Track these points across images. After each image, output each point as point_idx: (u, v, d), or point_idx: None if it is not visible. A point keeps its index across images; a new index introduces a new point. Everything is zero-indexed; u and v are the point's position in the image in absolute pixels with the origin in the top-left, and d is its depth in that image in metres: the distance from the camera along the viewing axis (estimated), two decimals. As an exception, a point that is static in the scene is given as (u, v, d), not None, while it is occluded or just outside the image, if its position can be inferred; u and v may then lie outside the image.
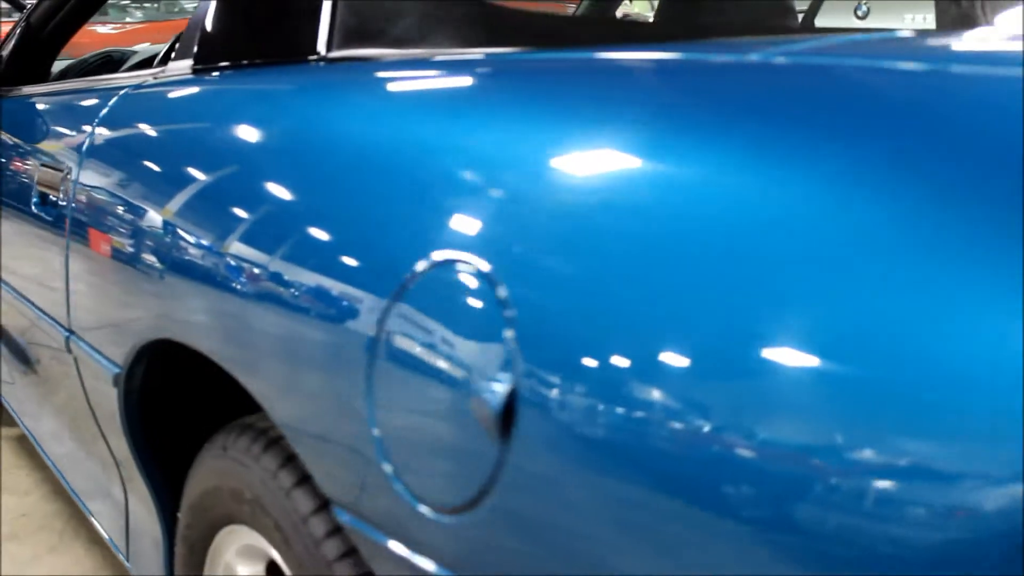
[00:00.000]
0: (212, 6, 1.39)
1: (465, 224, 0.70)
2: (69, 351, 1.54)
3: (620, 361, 0.55)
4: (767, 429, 0.48)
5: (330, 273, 0.82)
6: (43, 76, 2.42)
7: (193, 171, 1.13)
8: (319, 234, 0.86)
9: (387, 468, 0.75)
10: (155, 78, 1.46)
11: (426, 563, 0.73)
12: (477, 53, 1.06)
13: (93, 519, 1.71)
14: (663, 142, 0.63)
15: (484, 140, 0.76)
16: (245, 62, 1.29)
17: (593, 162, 0.65)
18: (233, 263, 0.97)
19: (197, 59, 1.37)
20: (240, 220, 0.99)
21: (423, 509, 0.71)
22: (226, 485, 1.11)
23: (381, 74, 1.03)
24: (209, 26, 1.38)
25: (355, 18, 1.14)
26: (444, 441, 0.68)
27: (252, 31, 1.33)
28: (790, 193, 0.54)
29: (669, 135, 0.63)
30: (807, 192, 0.53)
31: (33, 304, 1.74)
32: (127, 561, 1.57)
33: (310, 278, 0.85)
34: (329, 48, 1.13)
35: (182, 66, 1.40)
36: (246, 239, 0.96)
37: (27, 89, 2.15)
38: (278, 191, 0.95)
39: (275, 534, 1.00)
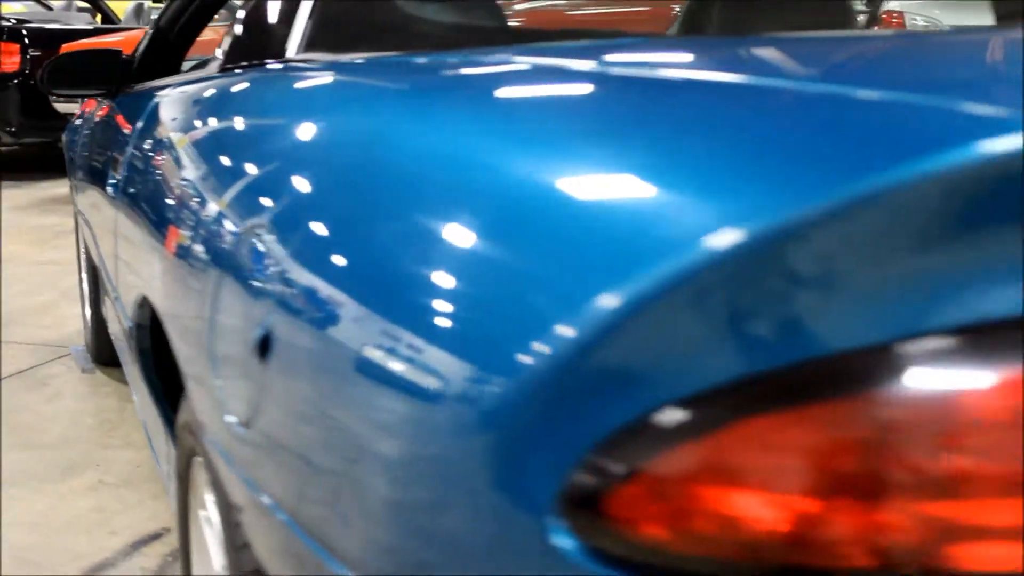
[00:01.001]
0: (238, 20, 1.70)
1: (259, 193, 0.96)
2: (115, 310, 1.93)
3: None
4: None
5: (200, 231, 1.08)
6: (174, 72, 2.62)
7: (177, 156, 1.38)
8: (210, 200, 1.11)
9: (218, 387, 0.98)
10: (193, 77, 1.77)
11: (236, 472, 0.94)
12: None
13: (158, 464, 1.85)
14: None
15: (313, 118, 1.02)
16: (244, 63, 1.57)
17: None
18: (164, 231, 1.24)
19: (226, 60, 1.66)
20: (172, 195, 1.25)
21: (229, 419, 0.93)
22: (186, 419, 1.27)
23: (294, 73, 1.31)
24: (234, 35, 1.68)
25: (314, 30, 1.42)
26: (237, 368, 0.90)
27: (255, 38, 1.60)
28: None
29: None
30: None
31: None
32: None
33: (200, 240, 1.07)
34: (296, 52, 1.41)
35: (214, 67, 1.71)
36: (173, 213, 1.22)
37: (149, 84, 2.36)
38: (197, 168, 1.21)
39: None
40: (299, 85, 1.21)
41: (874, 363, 0.48)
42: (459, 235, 0.65)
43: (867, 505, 0.48)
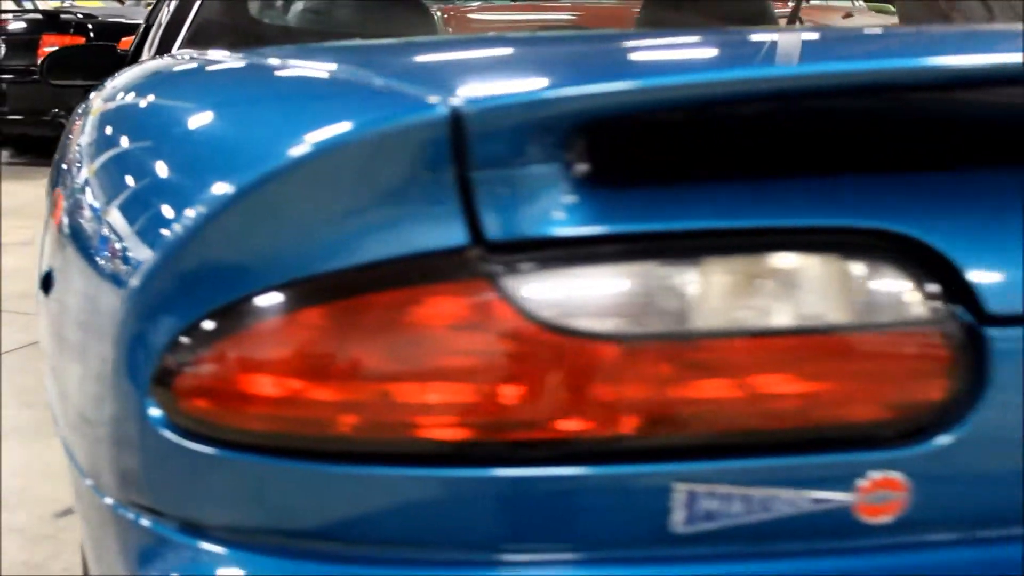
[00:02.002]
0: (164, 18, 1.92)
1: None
2: None
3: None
4: None
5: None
6: None
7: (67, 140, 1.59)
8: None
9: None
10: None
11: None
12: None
13: None
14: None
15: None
16: (157, 55, 1.80)
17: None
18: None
19: (157, 50, 1.86)
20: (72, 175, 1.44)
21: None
22: None
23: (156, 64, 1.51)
24: (162, 27, 1.89)
25: (192, 30, 1.64)
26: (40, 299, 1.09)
27: (167, 34, 1.81)
28: None
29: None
30: None
31: None
32: None
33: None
34: (180, 47, 1.64)
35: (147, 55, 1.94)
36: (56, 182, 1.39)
37: None
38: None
39: None
40: (147, 74, 1.41)
41: (368, 277, 0.65)
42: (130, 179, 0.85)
43: (349, 385, 0.65)
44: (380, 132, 0.63)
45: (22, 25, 9.12)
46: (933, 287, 0.65)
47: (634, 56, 0.90)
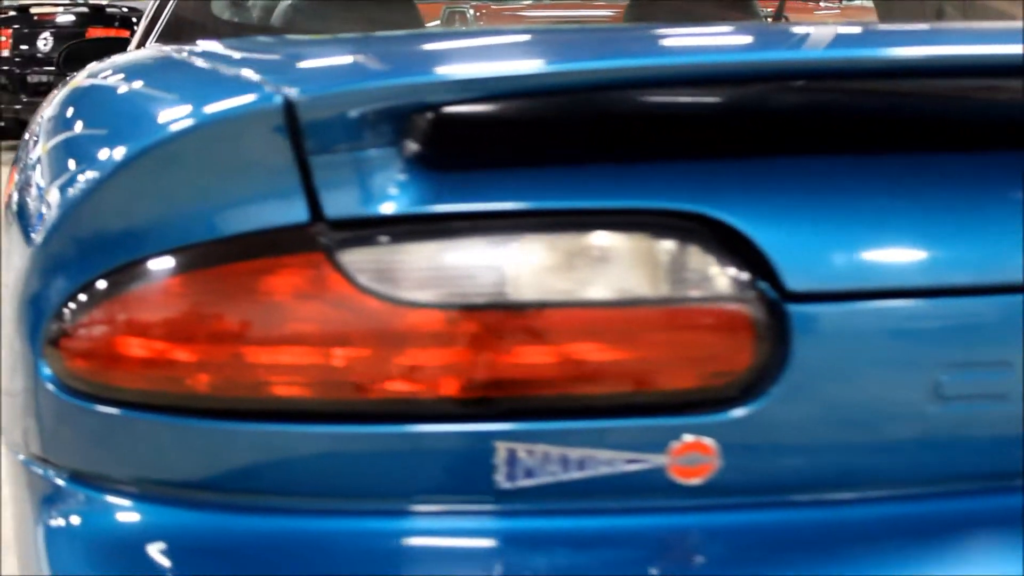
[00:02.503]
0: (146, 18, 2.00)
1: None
2: None
3: None
4: None
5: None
6: None
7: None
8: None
9: None
10: None
11: None
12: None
13: None
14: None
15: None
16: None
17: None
18: None
19: (136, 46, 1.93)
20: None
21: None
22: None
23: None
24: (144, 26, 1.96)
25: (162, 28, 1.74)
26: None
27: (145, 31, 1.90)
28: None
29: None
30: None
31: None
32: None
33: None
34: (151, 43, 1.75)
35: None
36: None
37: None
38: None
39: None
40: (95, 67, 1.49)
41: (219, 251, 0.72)
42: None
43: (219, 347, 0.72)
44: (227, 119, 0.70)
45: (71, 18, 9.38)
46: (738, 266, 0.70)
47: (468, 50, 0.95)
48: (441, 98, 0.69)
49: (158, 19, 1.75)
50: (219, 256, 0.71)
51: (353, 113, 0.68)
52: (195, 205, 0.72)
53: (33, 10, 9.38)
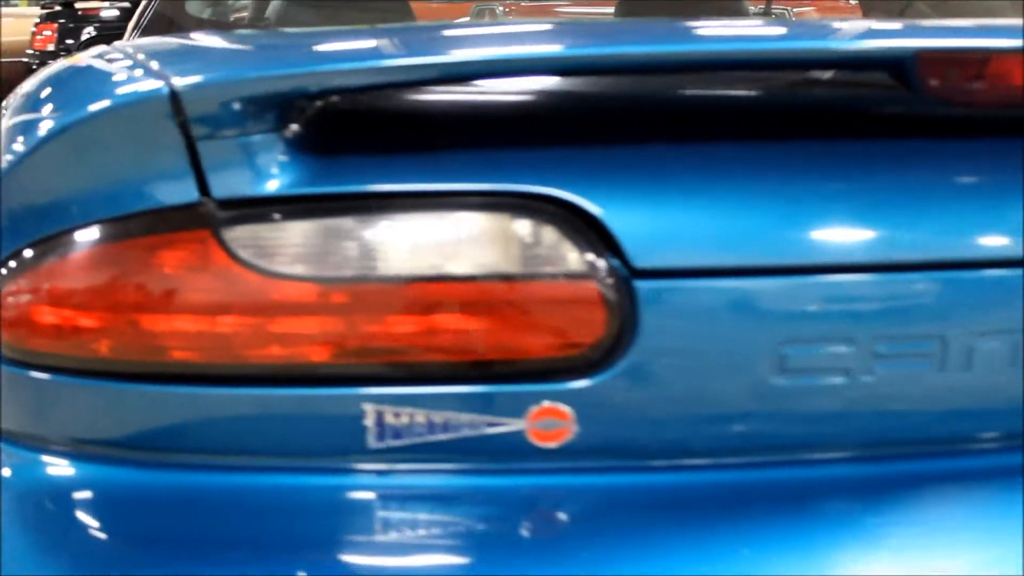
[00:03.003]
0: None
1: None
2: None
3: None
4: None
5: None
6: None
7: None
8: None
9: None
10: None
11: None
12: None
13: None
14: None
15: None
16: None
17: None
18: None
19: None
20: None
21: None
22: None
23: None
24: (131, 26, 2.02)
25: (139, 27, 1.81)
26: None
27: (132, 30, 1.97)
28: None
29: None
30: None
31: None
32: None
33: None
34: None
35: None
36: None
37: None
38: None
39: None
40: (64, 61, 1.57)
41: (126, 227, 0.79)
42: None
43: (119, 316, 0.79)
44: (126, 106, 0.77)
45: (115, 13, 9.59)
46: (589, 244, 0.76)
47: (354, 43, 1.01)
48: (315, 88, 0.75)
49: (141, 19, 1.83)
50: (120, 232, 0.78)
51: (233, 101, 0.74)
52: (102, 185, 0.79)
53: (78, 5, 9.60)
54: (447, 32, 0.97)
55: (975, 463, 0.83)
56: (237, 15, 2.71)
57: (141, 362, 0.79)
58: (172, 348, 0.79)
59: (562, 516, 0.81)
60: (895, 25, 1.01)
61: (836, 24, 0.90)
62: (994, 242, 0.79)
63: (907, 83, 0.78)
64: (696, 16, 2.33)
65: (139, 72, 0.84)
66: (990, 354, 0.80)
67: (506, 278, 0.76)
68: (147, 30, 1.81)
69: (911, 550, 0.79)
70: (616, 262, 0.76)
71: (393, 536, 0.79)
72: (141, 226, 0.78)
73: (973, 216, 0.79)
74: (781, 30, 0.83)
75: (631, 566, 0.76)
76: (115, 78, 0.89)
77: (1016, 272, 0.79)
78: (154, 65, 0.83)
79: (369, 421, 0.78)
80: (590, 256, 0.76)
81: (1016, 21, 0.87)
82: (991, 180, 0.81)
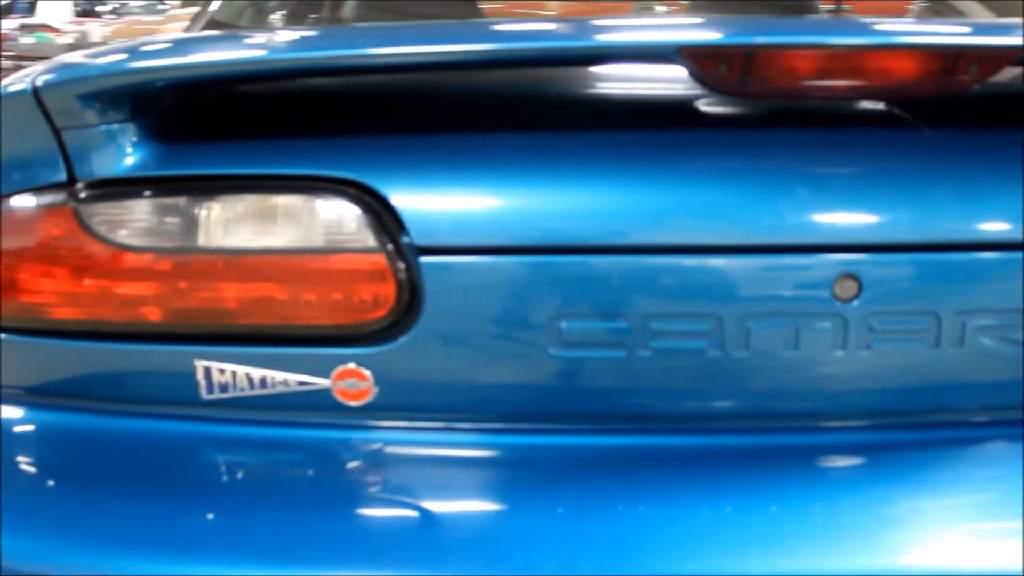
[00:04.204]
0: None
1: None
2: None
3: None
4: None
5: None
6: None
7: None
8: None
9: None
10: None
11: None
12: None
13: None
14: None
15: None
16: None
17: None
18: None
19: None
20: None
21: None
22: None
23: None
24: None
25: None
26: None
27: None
28: None
29: None
30: None
31: None
32: None
33: None
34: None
35: None
36: None
37: None
38: None
39: None
40: None
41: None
42: None
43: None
44: (9, 99, 0.91)
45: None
46: (382, 223, 0.85)
47: (207, 42, 1.11)
48: (154, 83, 0.87)
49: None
50: (15, 206, 0.92)
51: (83, 96, 0.87)
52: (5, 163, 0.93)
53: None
54: (274, 36, 1.08)
55: (739, 441, 0.89)
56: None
57: (21, 317, 0.93)
58: (45, 307, 0.92)
59: (365, 468, 0.90)
60: (670, 20, 1.06)
61: (616, 20, 0.97)
62: (751, 229, 0.85)
63: (693, 76, 0.84)
64: (767, 12, 2.33)
65: (27, 73, 0.98)
66: (761, 336, 0.86)
67: (309, 252, 0.87)
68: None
69: (654, 518, 0.85)
70: (405, 240, 0.85)
71: (217, 477, 0.90)
72: (27, 202, 0.91)
73: (735, 203, 0.85)
74: (560, 27, 0.89)
75: (423, 516, 0.86)
76: (10, 79, 1.03)
77: (783, 258, 0.85)
78: (39, 66, 0.97)
79: (200, 376, 0.89)
80: (381, 235, 0.85)
81: (787, 18, 0.92)
82: (754, 169, 0.86)
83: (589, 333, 0.86)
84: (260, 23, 2.05)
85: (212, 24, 1.89)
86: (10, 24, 11.67)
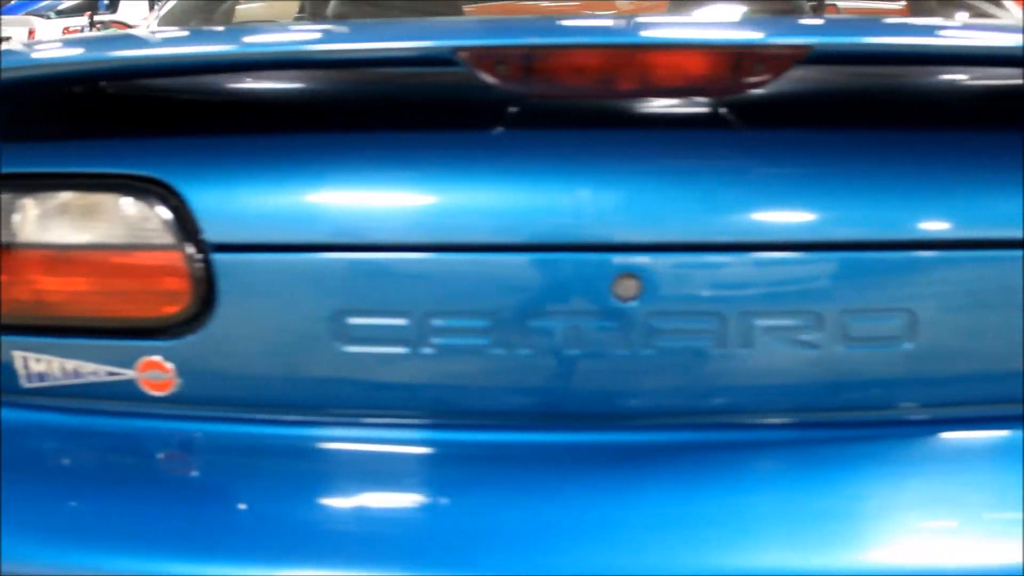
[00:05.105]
0: None
1: None
2: None
3: None
4: None
5: None
6: None
7: None
8: None
9: None
10: None
11: None
12: None
13: None
14: None
15: None
16: None
17: None
18: None
19: None
20: None
21: None
22: None
23: None
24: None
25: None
26: None
27: None
28: None
29: None
30: None
31: None
32: None
33: None
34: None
35: None
36: None
37: None
38: None
39: None
40: None
41: None
42: None
43: None
44: None
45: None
46: (180, 222, 0.88)
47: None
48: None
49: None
50: None
51: None
52: None
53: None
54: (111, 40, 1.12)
55: (522, 438, 0.90)
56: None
57: None
58: None
59: (168, 456, 0.94)
60: (447, 22, 1.07)
61: (393, 24, 0.98)
62: (529, 228, 0.86)
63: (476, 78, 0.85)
64: (752, 12, 2.30)
65: None
66: (542, 334, 0.86)
67: (114, 248, 0.90)
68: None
69: (456, 508, 0.87)
70: (200, 237, 0.88)
71: (29, 462, 0.94)
72: None
73: (513, 202, 0.86)
74: (336, 29, 0.91)
75: (220, 504, 0.89)
76: None
77: (560, 257, 0.86)
78: None
79: (19, 365, 0.94)
80: (179, 232, 0.88)
81: (568, 19, 0.92)
82: (534, 169, 0.87)
83: (374, 330, 0.88)
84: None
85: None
86: (81, 20, 12.07)
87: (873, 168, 0.87)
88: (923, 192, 0.87)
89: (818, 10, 2.57)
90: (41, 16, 12.81)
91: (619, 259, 0.85)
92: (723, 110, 0.93)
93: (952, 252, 0.87)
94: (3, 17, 11.49)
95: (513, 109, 0.92)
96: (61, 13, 13.22)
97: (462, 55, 0.83)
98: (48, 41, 1.18)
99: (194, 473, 0.92)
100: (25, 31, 11.16)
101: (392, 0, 2.24)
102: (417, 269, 0.87)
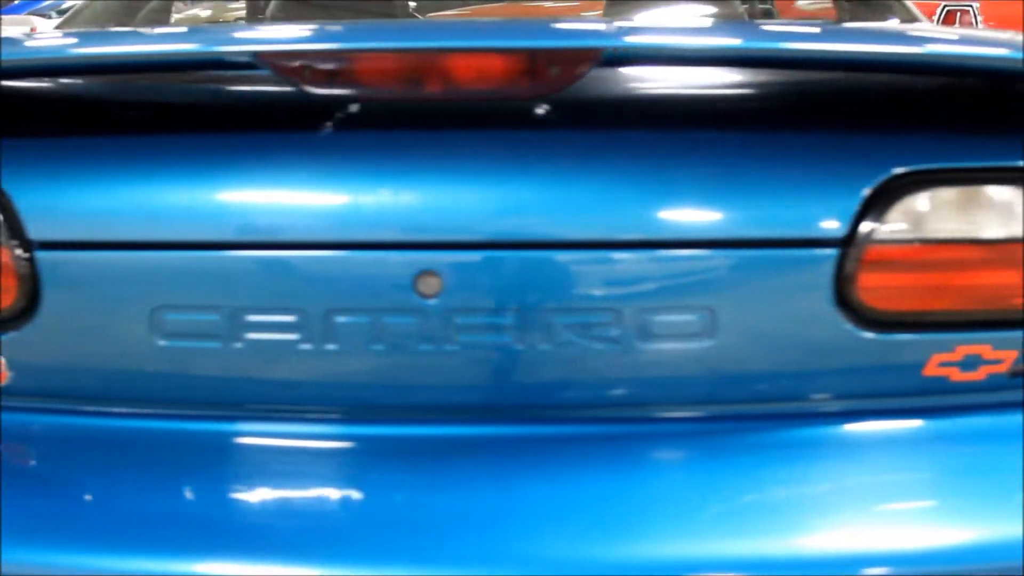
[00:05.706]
0: None
1: None
2: None
3: None
4: None
5: None
6: None
7: None
8: None
9: None
10: None
11: None
12: None
13: None
14: None
15: None
16: None
17: None
18: None
19: None
20: None
21: None
22: None
23: None
24: None
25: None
26: None
27: None
28: None
29: None
30: None
31: None
32: None
33: None
34: None
35: None
36: None
37: None
38: None
39: None
40: None
41: None
42: None
43: None
44: None
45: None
46: (8, 220, 0.92)
47: None
48: None
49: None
50: None
51: None
52: None
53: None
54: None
55: (331, 431, 0.94)
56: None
57: None
58: None
59: (3, 447, 0.97)
60: (249, 28, 1.10)
61: (201, 28, 1.02)
62: (332, 226, 0.89)
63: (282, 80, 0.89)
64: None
65: None
66: (349, 330, 0.90)
67: None
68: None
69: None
70: (23, 235, 0.91)
71: None
72: None
73: (319, 201, 0.90)
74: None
75: (54, 492, 0.93)
76: None
77: (363, 255, 0.89)
78: None
79: None
80: (3, 230, 0.92)
81: (371, 22, 0.95)
82: (339, 169, 0.91)
83: (188, 325, 0.91)
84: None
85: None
86: None
87: (666, 168, 0.90)
88: (716, 192, 0.90)
89: (754, 15, 2.61)
90: (43, 16, 12.88)
91: (421, 257, 0.89)
92: (540, 111, 0.96)
93: (748, 251, 0.90)
94: (4, 17, 11.57)
95: (324, 112, 0.95)
96: (63, 13, 13.29)
97: (264, 59, 0.86)
98: None
99: (28, 463, 0.96)
100: (26, 31, 11.28)
101: (330, 0, 2.28)
102: (228, 267, 0.90)
